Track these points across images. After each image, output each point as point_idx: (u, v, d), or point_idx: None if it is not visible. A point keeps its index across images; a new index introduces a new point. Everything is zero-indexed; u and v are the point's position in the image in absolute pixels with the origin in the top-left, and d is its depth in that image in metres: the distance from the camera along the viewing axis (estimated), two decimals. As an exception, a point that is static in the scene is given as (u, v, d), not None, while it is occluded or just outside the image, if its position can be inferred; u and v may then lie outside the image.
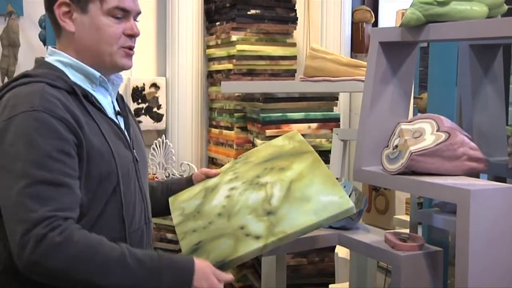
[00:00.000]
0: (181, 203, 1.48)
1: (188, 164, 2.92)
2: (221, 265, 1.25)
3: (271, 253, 1.55)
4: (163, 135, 3.04)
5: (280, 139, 1.55)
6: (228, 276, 1.25)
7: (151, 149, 3.01)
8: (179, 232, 1.38)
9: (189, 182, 1.56)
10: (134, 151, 1.33)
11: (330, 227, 1.62)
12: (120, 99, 1.40)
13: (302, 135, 2.52)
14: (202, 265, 1.22)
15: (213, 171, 1.53)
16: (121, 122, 1.35)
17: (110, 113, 1.32)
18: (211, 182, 1.50)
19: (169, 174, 2.93)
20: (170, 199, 1.53)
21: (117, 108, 1.36)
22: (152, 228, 1.40)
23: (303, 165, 1.39)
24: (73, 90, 1.23)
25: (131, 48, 1.30)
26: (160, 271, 1.17)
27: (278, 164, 1.43)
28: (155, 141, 3.02)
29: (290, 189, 1.33)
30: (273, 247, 1.26)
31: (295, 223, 1.25)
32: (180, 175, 2.89)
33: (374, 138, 1.45)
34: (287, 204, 1.29)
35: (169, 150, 2.97)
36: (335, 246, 2.23)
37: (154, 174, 2.94)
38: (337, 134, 2.31)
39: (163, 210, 1.53)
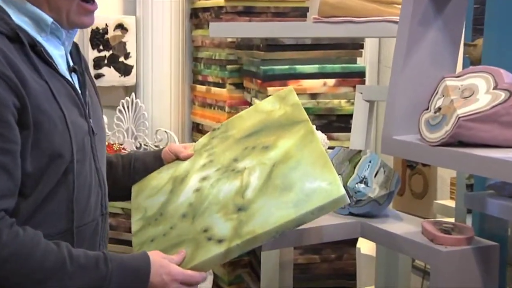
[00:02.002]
0: (144, 200, 1.49)
1: (165, 132, 2.92)
2: None
3: (273, 247, 1.56)
4: (133, 93, 3.03)
5: (270, 100, 1.55)
6: (193, 275, 1.28)
7: (117, 111, 3.00)
8: (135, 244, 1.41)
9: (157, 159, 1.58)
10: (91, 120, 1.34)
11: (351, 214, 1.62)
12: (75, 50, 1.40)
13: (315, 94, 2.59)
14: (160, 263, 1.26)
15: (186, 152, 1.55)
16: (75, 80, 1.34)
17: (63, 69, 1.31)
18: (181, 168, 1.51)
19: (140, 145, 2.93)
20: (133, 190, 1.55)
21: (72, 63, 1.36)
22: (108, 220, 1.41)
23: (292, 141, 1.40)
24: (17, 36, 1.22)
25: (88, 1, 1.30)
26: (108, 277, 1.20)
27: (262, 141, 1.43)
28: (122, 100, 3.01)
29: (271, 176, 1.34)
30: (240, 252, 1.27)
31: (268, 220, 1.26)
32: (156, 146, 2.89)
33: (410, 98, 1.44)
34: (263, 196, 1.30)
35: (140, 113, 2.96)
36: (356, 239, 2.24)
37: (121, 145, 2.94)
38: (361, 93, 2.29)
39: (124, 194, 1.55)
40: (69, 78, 1.31)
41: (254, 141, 1.45)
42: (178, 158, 1.56)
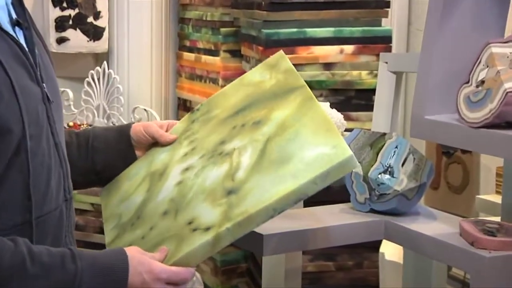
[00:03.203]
0: (118, 205, 1.52)
1: (145, 110, 2.91)
2: None
3: (276, 252, 1.56)
4: (104, 62, 3.02)
5: (258, 70, 1.58)
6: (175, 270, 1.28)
7: (85, 85, 2.99)
8: None
9: (123, 136, 1.57)
10: (44, 85, 1.33)
11: (373, 211, 1.63)
12: (17, 0, 1.38)
13: (329, 64, 2.59)
14: (139, 259, 1.26)
15: (167, 136, 1.55)
16: (20, 37, 1.33)
17: (5, 22, 1.30)
18: (159, 162, 1.54)
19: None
20: (102, 196, 1.56)
21: (14, 16, 1.34)
22: (73, 206, 1.42)
23: (287, 111, 1.43)
24: None
25: None
26: (77, 278, 1.20)
27: (252, 117, 1.47)
28: (92, 71, 3.00)
29: (265, 152, 1.37)
30: (232, 238, 1.29)
31: (263, 197, 1.29)
32: (133, 127, 2.88)
33: (446, 69, 1.44)
34: (256, 174, 1.34)
35: (114, 87, 2.96)
36: (379, 242, 2.25)
37: (90, 125, 2.94)
38: (386, 63, 2.29)
39: (81, 180, 1.53)
40: (14, 34, 1.30)
41: (242, 118, 1.48)
42: (156, 142, 1.56)
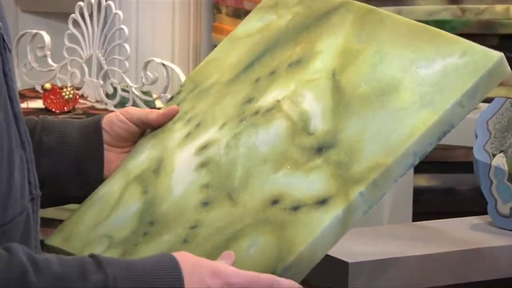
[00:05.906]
0: (92, 230, 1.59)
1: (163, 65, 2.93)
2: None
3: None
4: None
5: (252, 18, 1.79)
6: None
7: (70, 25, 3.02)
8: None
9: (88, 133, 1.63)
10: (1, 24, 1.37)
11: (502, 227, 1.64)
12: None
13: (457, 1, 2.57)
14: (195, 262, 1.31)
15: (158, 112, 1.63)
16: None
17: None
18: (140, 162, 1.64)
19: (115, 89, 2.95)
20: (59, 234, 1.62)
21: None
22: (39, 208, 1.46)
23: (342, 35, 1.59)
24: None
25: None
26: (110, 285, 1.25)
27: (283, 59, 1.65)
28: (80, 3, 3.02)
29: (342, 88, 1.52)
30: (367, 208, 1.39)
31: (391, 141, 1.40)
32: (144, 92, 2.91)
33: None
34: (352, 117, 1.47)
35: (115, 29, 2.98)
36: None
37: (78, 89, 2.97)
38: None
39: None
40: None
41: (264, 67, 1.66)
42: (143, 126, 1.65)
